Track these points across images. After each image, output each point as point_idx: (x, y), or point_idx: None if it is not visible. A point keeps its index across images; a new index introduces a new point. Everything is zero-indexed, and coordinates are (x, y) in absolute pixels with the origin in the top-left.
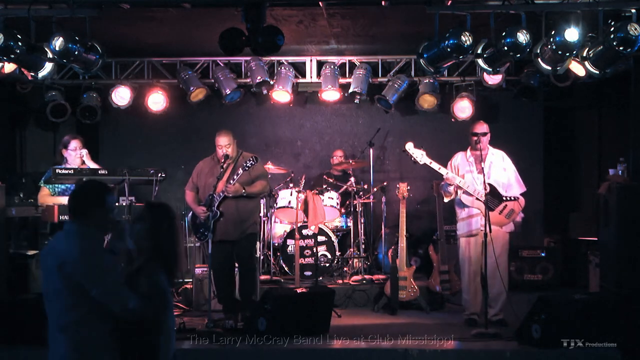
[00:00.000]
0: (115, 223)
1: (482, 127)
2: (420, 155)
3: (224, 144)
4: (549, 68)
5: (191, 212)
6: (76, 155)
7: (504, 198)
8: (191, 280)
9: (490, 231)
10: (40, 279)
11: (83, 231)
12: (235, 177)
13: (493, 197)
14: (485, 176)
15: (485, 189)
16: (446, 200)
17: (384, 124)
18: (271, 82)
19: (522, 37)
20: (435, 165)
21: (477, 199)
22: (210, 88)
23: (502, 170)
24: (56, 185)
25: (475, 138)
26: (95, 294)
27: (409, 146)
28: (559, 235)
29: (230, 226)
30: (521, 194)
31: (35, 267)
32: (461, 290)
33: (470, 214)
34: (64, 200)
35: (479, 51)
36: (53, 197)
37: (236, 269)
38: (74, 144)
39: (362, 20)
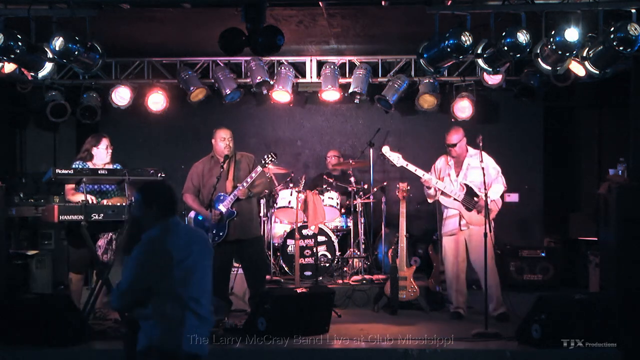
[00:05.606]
0: None
1: (451, 138)
2: (396, 158)
3: (228, 136)
4: (549, 68)
5: (194, 215)
6: (107, 153)
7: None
8: None
9: (491, 231)
10: (41, 279)
11: None
12: (253, 174)
13: (470, 197)
14: (462, 177)
15: (470, 190)
16: (430, 201)
17: (384, 124)
18: (271, 82)
19: (522, 37)
20: (411, 167)
21: (454, 199)
22: (210, 88)
23: (479, 170)
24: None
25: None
26: None
27: (385, 149)
28: (559, 235)
29: (240, 226)
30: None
31: (35, 267)
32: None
33: (449, 215)
34: (89, 197)
35: (479, 51)
36: (79, 193)
37: (234, 269)
38: (106, 142)
39: (362, 20)
